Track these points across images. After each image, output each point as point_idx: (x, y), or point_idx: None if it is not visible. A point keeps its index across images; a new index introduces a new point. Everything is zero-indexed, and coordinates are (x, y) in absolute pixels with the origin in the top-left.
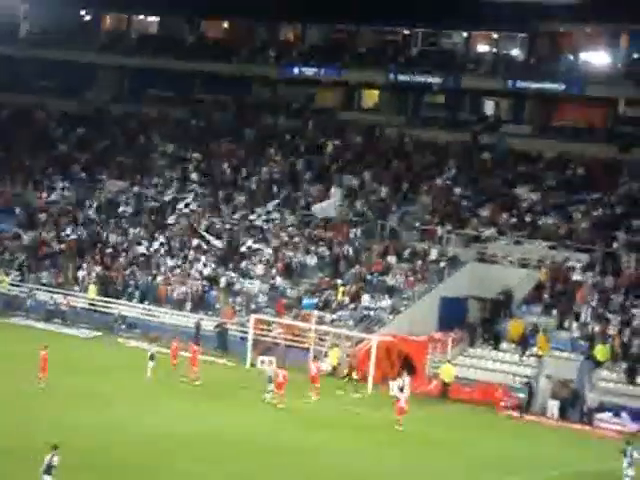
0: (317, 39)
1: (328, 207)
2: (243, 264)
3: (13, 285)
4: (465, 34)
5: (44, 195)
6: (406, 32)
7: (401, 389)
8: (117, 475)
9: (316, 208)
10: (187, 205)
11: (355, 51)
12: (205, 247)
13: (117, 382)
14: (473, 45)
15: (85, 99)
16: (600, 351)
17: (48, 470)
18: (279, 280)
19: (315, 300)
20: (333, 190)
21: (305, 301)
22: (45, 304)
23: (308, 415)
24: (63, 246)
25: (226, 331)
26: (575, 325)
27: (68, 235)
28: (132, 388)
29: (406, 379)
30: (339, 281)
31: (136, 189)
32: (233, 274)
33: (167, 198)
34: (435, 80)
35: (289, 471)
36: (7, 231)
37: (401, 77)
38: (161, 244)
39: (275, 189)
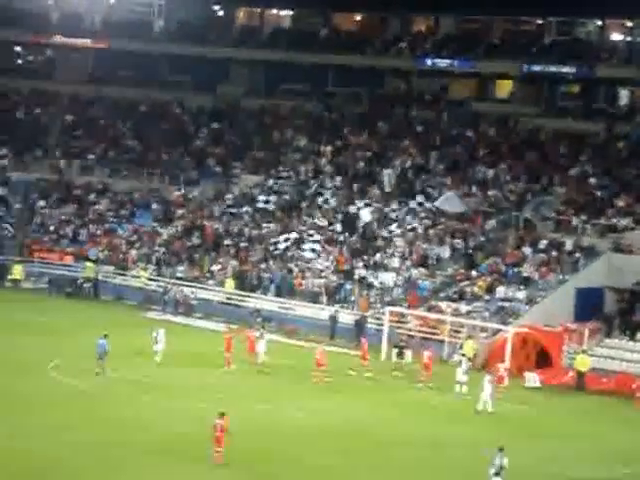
0: (450, 30)
1: (451, 202)
2: (377, 256)
3: (150, 279)
4: (599, 22)
5: (180, 190)
6: (539, 21)
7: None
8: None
9: (441, 202)
10: (326, 201)
11: (488, 41)
12: (340, 239)
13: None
14: (607, 34)
15: (219, 94)
16: None
17: (498, 472)
18: (414, 272)
19: (428, 282)
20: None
21: (421, 283)
22: (179, 298)
23: (440, 407)
24: (199, 240)
25: (365, 323)
26: None
27: (204, 229)
28: (267, 382)
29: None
30: (474, 272)
31: (270, 183)
32: (367, 267)
33: (301, 191)
34: (569, 70)
35: (415, 464)
36: (144, 226)
37: (535, 67)
38: (296, 237)
39: (409, 181)
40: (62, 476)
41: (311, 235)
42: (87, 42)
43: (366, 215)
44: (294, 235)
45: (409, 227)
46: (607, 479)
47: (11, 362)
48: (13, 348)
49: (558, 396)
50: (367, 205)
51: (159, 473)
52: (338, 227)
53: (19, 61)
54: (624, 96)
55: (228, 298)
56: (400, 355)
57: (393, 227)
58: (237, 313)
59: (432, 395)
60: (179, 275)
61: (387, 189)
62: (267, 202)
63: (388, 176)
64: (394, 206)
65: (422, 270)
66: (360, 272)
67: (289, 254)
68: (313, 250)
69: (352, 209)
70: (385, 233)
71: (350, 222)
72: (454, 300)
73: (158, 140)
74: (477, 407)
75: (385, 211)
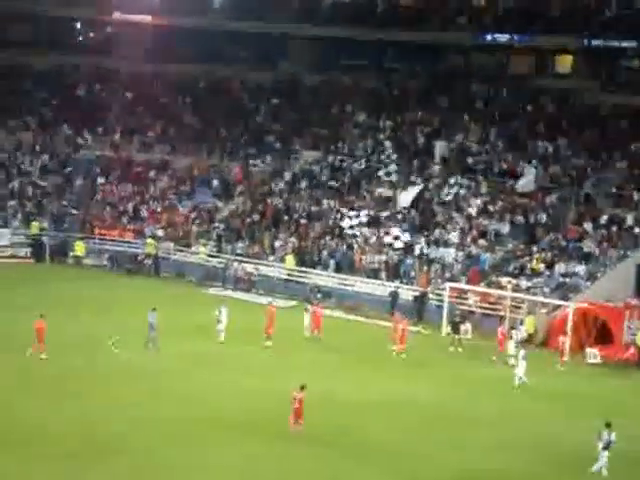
0: (510, 5)
1: (527, 183)
2: (437, 232)
3: (211, 256)
4: None
5: (240, 166)
6: None
7: None
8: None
9: (518, 185)
10: (389, 174)
11: (548, 16)
12: (400, 217)
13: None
14: None
15: (279, 70)
16: None
17: (607, 446)
18: (474, 248)
19: (488, 255)
20: (526, 170)
21: (481, 258)
22: (240, 274)
23: (503, 383)
24: (259, 217)
25: (426, 300)
26: None
27: (264, 206)
28: (325, 359)
29: None
30: (534, 248)
31: (330, 159)
32: (428, 242)
33: (361, 167)
34: (630, 44)
35: (476, 442)
36: (204, 202)
37: (595, 42)
38: (356, 214)
39: (469, 157)
40: (129, 452)
41: (370, 211)
42: (146, 18)
43: (406, 197)
44: (355, 210)
45: (469, 203)
46: None
47: (74, 338)
48: (76, 324)
49: (620, 372)
50: (426, 180)
51: (227, 448)
52: (399, 203)
53: (79, 38)
54: None
55: (288, 274)
56: (455, 330)
57: (454, 202)
58: (297, 289)
59: (503, 371)
60: (239, 252)
61: (437, 160)
62: (327, 177)
63: (440, 147)
64: (454, 181)
65: (482, 245)
66: (420, 247)
67: (349, 230)
68: (372, 225)
69: (412, 184)
70: (445, 208)
71: (410, 198)
72: (514, 276)
73: (217, 117)
74: (513, 383)
75: (445, 187)
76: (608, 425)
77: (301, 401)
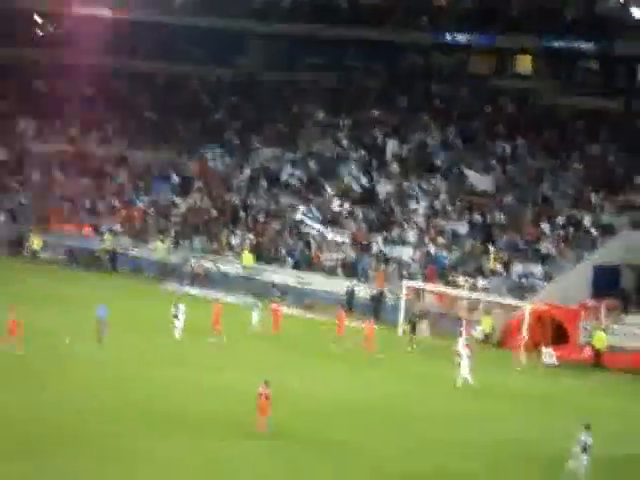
0: (470, 5)
1: (480, 180)
2: (395, 231)
3: (168, 252)
4: None
5: (198, 162)
6: None
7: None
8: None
9: (472, 177)
10: (346, 170)
11: (508, 17)
12: (359, 215)
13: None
14: (627, 10)
15: (238, 67)
16: None
17: (585, 449)
18: (431, 247)
19: (445, 254)
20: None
21: (438, 257)
22: (197, 270)
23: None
24: (217, 213)
25: (383, 298)
26: None
27: (222, 202)
28: (284, 354)
29: None
30: (492, 248)
31: (289, 156)
32: (386, 241)
33: (319, 165)
34: (588, 46)
35: (430, 441)
36: (163, 198)
37: (555, 43)
38: (313, 211)
39: (427, 156)
40: (82, 444)
41: (329, 208)
42: (107, 13)
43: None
44: (312, 208)
45: (427, 202)
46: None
47: (29, 332)
48: (33, 318)
49: (577, 373)
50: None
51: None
52: (356, 201)
53: (38, 32)
54: None
55: (246, 271)
56: (413, 329)
57: (412, 202)
58: (254, 286)
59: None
60: (197, 247)
61: (388, 157)
62: (285, 175)
63: (392, 146)
64: (413, 181)
65: (440, 245)
66: (378, 246)
67: (306, 228)
68: (331, 223)
69: (370, 183)
70: (403, 208)
71: (368, 197)
72: (471, 276)
73: (176, 112)
74: (456, 383)
75: (403, 186)
76: (587, 427)
77: (267, 396)
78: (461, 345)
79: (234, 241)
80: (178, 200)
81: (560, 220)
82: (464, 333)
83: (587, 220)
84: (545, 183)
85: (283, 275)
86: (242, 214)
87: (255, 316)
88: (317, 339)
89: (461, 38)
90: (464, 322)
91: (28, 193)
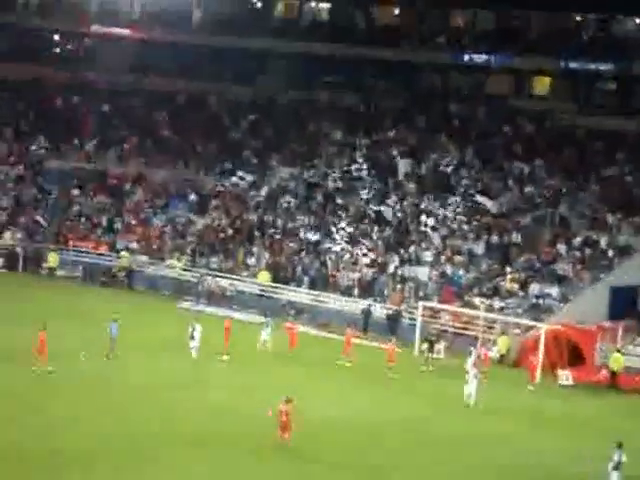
0: (488, 25)
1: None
2: (412, 250)
3: (185, 270)
4: (637, 20)
5: (216, 181)
6: (578, 18)
7: None
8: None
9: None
10: (364, 192)
11: (526, 37)
12: (374, 236)
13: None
14: None
15: (257, 86)
16: None
17: (617, 466)
18: (448, 267)
19: (462, 274)
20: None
21: (455, 278)
22: (214, 289)
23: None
24: (233, 232)
25: (399, 318)
26: None
27: (239, 221)
28: (299, 372)
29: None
30: (508, 269)
31: (306, 175)
32: (402, 261)
33: (336, 184)
34: (606, 67)
35: (444, 462)
36: (180, 216)
37: (572, 64)
38: (330, 230)
39: (445, 176)
40: (96, 469)
41: (345, 228)
42: (126, 32)
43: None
44: (329, 227)
45: (444, 222)
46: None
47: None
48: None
49: (593, 394)
50: (401, 200)
51: (195, 465)
52: (372, 221)
53: (57, 50)
54: None
55: (262, 290)
56: (430, 349)
57: (429, 221)
58: (270, 304)
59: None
60: (213, 266)
61: (400, 177)
62: (303, 194)
63: (404, 165)
64: (430, 201)
65: (456, 265)
66: (394, 265)
67: (323, 247)
68: (347, 243)
69: (387, 203)
70: (420, 228)
71: (384, 216)
72: (488, 296)
73: (195, 131)
74: (466, 402)
75: (421, 206)
76: (620, 445)
77: (288, 414)
78: (470, 365)
79: (250, 260)
80: (195, 218)
81: (577, 241)
82: (474, 353)
83: (604, 241)
84: (562, 204)
85: (299, 294)
86: (258, 233)
87: (264, 334)
88: (332, 358)
89: (479, 59)
90: (479, 342)
91: (45, 210)
